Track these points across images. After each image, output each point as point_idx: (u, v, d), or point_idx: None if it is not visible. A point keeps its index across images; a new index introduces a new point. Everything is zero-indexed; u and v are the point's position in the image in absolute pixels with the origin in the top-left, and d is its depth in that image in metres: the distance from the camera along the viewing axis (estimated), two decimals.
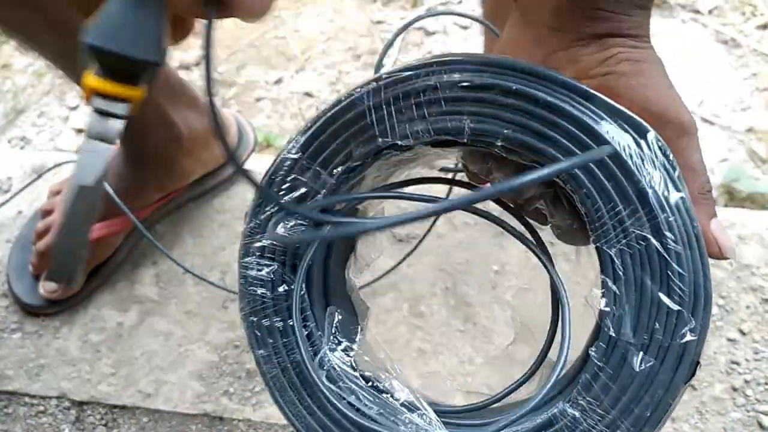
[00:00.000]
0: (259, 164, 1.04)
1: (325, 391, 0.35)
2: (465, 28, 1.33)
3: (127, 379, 0.81)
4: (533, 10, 0.36)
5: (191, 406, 0.79)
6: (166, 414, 0.79)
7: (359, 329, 0.40)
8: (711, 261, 0.32)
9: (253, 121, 1.22)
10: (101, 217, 0.82)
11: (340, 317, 0.38)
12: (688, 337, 0.31)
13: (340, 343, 0.38)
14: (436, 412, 0.36)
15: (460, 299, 0.83)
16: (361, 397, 0.36)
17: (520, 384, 0.39)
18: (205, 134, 0.85)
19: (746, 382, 0.77)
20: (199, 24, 0.33)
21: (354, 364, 0.37)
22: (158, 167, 0.83)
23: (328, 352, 0.37)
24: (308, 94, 1.26)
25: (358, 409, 0.35)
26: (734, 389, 0.76)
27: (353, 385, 0.36)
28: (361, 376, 0.37)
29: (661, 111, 0.34)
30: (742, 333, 0.79)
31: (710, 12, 1.34)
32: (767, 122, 1.20)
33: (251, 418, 0.78)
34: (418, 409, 0.36)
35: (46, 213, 0.86)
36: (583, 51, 0.35)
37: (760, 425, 0.75)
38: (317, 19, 1.36)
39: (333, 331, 0.37)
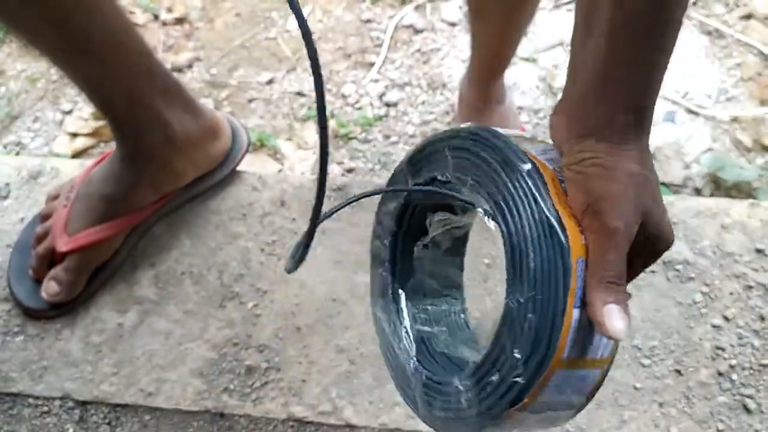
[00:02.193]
0: (252, 165, 1.06)
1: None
2: (453, 25, 1.35)
3: (129, 379, 0.83)
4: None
5: (192, 404, 0.81)
6: (168, 412, 0.81)
7: None
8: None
9: (246, 122, 1.23)
10: (100, 220, 0.84)
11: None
12: None
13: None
14: None
15: None
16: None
17: None
18: (200, 136, 0.86)
19: (731, 366, 0.79)
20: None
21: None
22: (154, 169, 0.84)
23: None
24: (300, 94, 1.27)
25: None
26: (720, 374, 0.79)
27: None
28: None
29: (601, 212, 0.39)
30: (727, 319, 0.81)
31: (694, 3, 1.36)
32: (752, 112, 1.22)
33: (251, 413, 0.80)
34: None
35: (45, 217, 0.87)
36: (573, 147, 0.41)
37: (746, 409, 0.77)
38: (307, 19, 1.38)
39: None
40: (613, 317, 0.37)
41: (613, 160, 0.39)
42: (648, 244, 0.41)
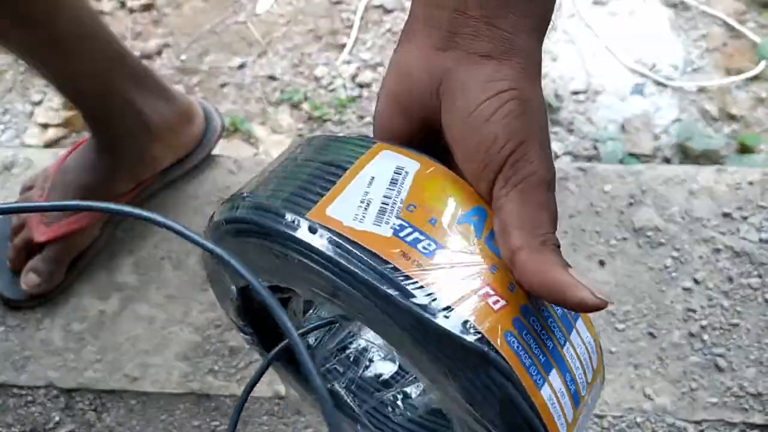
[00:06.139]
0: (227, 150, 1.06)
1: None
2: None
3: (114, 365, 0.83)
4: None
5: (178, 386, 0.82)
6: (153, 395, 0.82)
7: None
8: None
9: (218, 107, 1.23)
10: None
11: None
12: None
13: None
14: None
15: None
16: None
17: None
18: (174, 121, 0.86)
19: (702, 327, 0.82)
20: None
21: None
22: (130, 156, 0.84)
23: None
24: (272, 78, 1.27)
25: None
26: (692, 335, 0.81)
27: None
28: None
29: (526, 158, 0.29)
30: (696, 282, 0.84)
31: None
32: (718, 81, 1.25)
33: (237, 393, 0.81)
34: None
35: None
36: (469, 74, 0.30)
37: (717, 367, 0.80)
38: (276, 2, 1.38)
39: None
40: (581, 289, 0.27)
41: (528, 87, 0.30)
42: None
